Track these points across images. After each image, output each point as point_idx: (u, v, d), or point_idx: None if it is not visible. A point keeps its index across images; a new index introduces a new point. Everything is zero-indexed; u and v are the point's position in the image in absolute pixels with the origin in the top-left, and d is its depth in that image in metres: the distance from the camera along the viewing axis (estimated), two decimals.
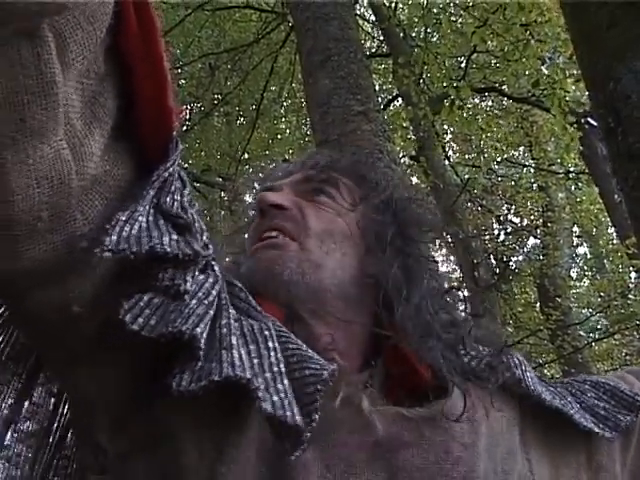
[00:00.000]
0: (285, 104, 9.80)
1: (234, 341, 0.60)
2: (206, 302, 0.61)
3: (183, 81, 9.36)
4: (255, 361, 0.60)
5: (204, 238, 0.63)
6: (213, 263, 0.66)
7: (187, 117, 10.03)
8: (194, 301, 0.60)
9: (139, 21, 0.55)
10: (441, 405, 0.74)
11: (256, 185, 0.99)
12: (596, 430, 0.82)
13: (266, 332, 0.64)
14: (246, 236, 0.89)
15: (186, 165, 9.57)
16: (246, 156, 9.37)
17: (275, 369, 0.61)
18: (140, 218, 0.56)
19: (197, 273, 0.62)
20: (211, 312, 0.61)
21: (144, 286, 0.58)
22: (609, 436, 0.82)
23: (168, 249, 0.55)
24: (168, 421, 0.66)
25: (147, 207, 0.57)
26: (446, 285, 0.93)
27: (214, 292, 0.63)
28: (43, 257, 0.54)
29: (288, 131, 10.16)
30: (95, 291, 0.58)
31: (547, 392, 0.83)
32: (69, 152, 0.52)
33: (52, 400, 0.78)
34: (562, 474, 0.85)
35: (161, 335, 0.56)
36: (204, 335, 0.58)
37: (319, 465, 0.66)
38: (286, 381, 0.60)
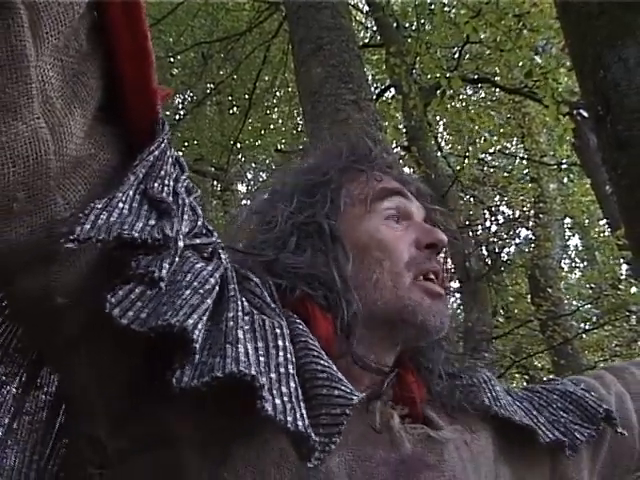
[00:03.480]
0: (278, 93, 9.76)
1: (240, 335, 0.57)
2: (201, 291, 0.57)
3: (175, 70, 9.32)
4: (262, 359, 0.57)
5: (199, 224, 0.61)
6: (220, 251, 0.64)
7: (179, 106, 10.00)
8: (188, 291, 0.56)
9: None
10: (464, 429, 0.78)
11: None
12: (549, 439, 0.80)
13: (277, 330, 0.62)
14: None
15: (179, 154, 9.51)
16: (238, 145, 9.33)
17: (282, 370, 0.58)
18: (120, 205, 0.54)
19: (195, 260, 0.60)
20: (208, 301, 0.57)
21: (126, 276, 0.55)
22: (568, 453, 0.81)
23: (136, 235, 0.52)
24: (170, 423, 0.64)
25: (130, 193, 0.56)
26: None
27: (212, 280, 0.59)
28: (21, 240, 0.52)
29: (281, 120, 10.12)
30: (79, 282, 0.56)
31: (514, 407, 0.83)
32: (47, 131, 0.50)
33: (54, 391, 0.75)
34: None
35: (151, 329, 0.53)
36: (199, 327, 0.54)
37: (342, 476, 0.65)
38: (292, 384, 0.58)
